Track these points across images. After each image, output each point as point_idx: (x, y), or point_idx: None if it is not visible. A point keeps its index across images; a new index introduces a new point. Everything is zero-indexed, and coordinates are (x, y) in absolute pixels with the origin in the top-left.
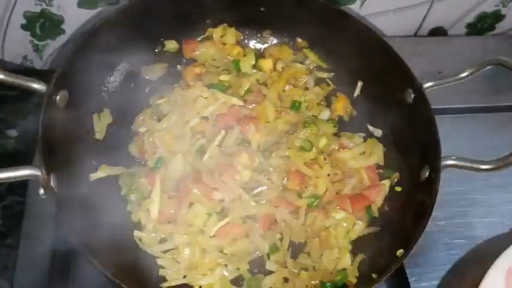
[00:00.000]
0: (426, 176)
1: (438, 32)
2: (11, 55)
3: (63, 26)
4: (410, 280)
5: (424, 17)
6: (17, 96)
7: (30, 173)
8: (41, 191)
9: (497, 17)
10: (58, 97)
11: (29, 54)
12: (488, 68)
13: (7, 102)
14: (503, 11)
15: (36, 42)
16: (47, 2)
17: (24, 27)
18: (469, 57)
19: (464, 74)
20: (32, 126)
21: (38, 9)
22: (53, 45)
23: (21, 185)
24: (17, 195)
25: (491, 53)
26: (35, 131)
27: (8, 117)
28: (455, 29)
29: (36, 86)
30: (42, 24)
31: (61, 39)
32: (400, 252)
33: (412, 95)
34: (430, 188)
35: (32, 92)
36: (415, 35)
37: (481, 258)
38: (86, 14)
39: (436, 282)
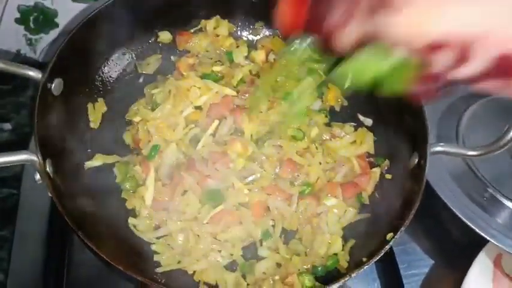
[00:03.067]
0: (415, 163)
1: None
2: (4, 49)
3: (57, 20)
4: (400, 267)
5: None
6: (11, 90)
7: (26, 158)
8: (37, 177)
9: None
10: (53, 85)
11: (22, 48)
12: None
13: (1, 97)
14: None
15: (29, 36)
16: None
17: (18, 21)
18: None
19: None
20: (25, 120)
21: (31, 2)
22: (46, 39)
23: (14, 178)
24: (11, 187)
25: None
26: (29, 125)
27: (1, 110)
28: None
29: (32, 73)
30: (36, 18)
31: (55, 33)
32: (390, 235)
33: None
34: (419, 174)
35: (25, 86)
36: None
37: (470, 246)
38: (80, 8)
39: (426, 270)
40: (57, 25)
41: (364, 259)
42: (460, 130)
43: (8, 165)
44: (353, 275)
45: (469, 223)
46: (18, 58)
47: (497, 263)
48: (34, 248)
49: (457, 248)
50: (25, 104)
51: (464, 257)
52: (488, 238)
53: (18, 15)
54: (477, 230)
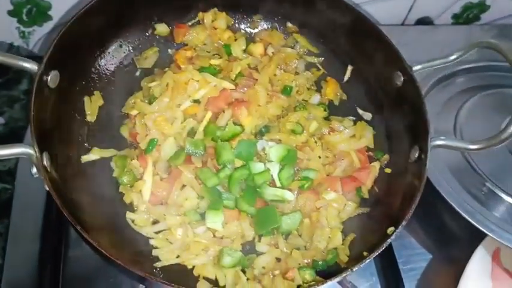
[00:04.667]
0: (416, 156)
1: (425, 21)
2: None
3: (50, 12)
4: (398, 261)
5: (411, 7)
6: (4, 83)
7: (22, 151)
8: (34, 170)
9: (482, 7)
10: (49, 77)
11: (15, 41)
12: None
13: None
14: (488, 1)
15: (22, 28)
16: None
17: (10, 13)
18: (455, 46)
19: (453, 57)
20: (18, 114)
21: None
22: (39, 32)
23: (8, 172)
24: (5, 182)
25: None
26: (22, 119)
27: None
28: (441, 19)
29: (27, 65)
30: (29, 10)
31: (48, 26)
32: (390, 230)
33: (402, 78)
34: (419, 168)
35: (18, 80)
36: (402, 24)
37: (468, 240)
38: (74, 0)
39: (424, 264)
40: (50, 18)
41: (365, 253)
42: (457, 124)
43: (4, 158)
44: (354, 269)
45: (467, 217)
46: (11, 51)
47: (495, 257)
48: (29, 243)
49: (455, 242)
50: (18, 98)
51: (462, 251)
52: (486, 232)
53: (11, 7)
54: (475, 224)
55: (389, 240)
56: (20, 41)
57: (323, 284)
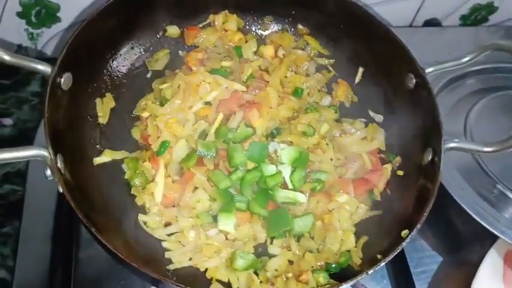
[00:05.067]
0: (429, 159)
1: (432, 23)
2: (5, 44)
3: (59, 14)
4: (409, 265)
5: (419, 8)
6: (12, 85)
7: (37, 153)
8: (48, 172)
9: (490, 9)
10: (62, 79)
11: (23, 42)
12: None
13: (2, 92)
14: (496, 3)
15: (31, 30)
16: None
17: (19, 15)
18: (463, 48)
19: (466, 59)
20: (27, 115)
21: None
22: (48, 34)
23: (17, 174)
24: (14, 183)
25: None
26: (31, 120)
27: (2, 106)
28: (449, 21)
29: (41, 67)
30: (38, 11)
31: (57, 28)
32: (404, 232)
33: (414, 80)
34: (433, 171)
35: (26, 81)
36: (410, 26)
37: (478, 242)
38: (83, 2)
39: (435, 267)
40: (59, 19)
41: (379, 256)
42: (468, 126)
43: (17, 160)
44: (370, 272)
45: (478, 219)
46: (20, 52)
47: (507, 259)
48: (40, 245)
49: (466, 244)
50: (27, 99)
51: (473, 253)
52: (498, 234)
53: (20, 9)
54: (487, 226)
55: (404, 243)
56: (28, 43)
57: (338, 287)
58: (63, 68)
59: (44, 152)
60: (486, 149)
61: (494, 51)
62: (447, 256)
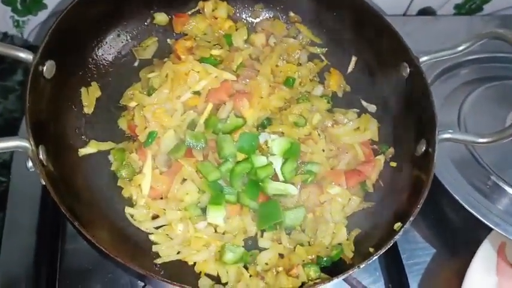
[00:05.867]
0: (423, 150)
1: (427, 12)
2: None
3: (45, 1)
4: (402, 256)
5: None
6: None
7: (18, 144)
8: (29, 164)
9: None
10: (45, 67)
11: (9, 30)
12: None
13: None
14: None
15: (17, 18)
16: None
17: (5, 2)
18: (457, 37)
19: (461, 48)
20: (13, 105)
21: None
22: (34, 21)
23: (3, 165)
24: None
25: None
26: (17, 110)
27: None
28: (443, 10)
29: (23, 55)
30: None
31: (43, 15)
32: (397, 225)
33: (408, 69)
34: (426, 162)
35: (13, 70)
36: (404, 15)
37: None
38: None
39: (428, 259)
40: (45, 6)
41: (371, 249)
42: (461, 116)
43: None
44: (362, 266)
45: (472, 211)
46: (5, 40)
47: (500, 252)
48: (25, 238)
49: (459, 236)
50: (13, 88)
51: (466, 245)
52: (491, 226)
53: None
54: (480, 218)
55: (397, 237)
56: (14, 31)
57: (329, 281)
58: (46, 55)
59: (25, 143)
60: (481, 140)
61: (490, 40)
62: (440, 248)
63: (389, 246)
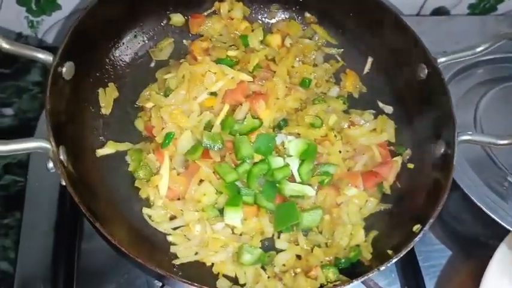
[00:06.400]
0: (441, 152)
1: (440, 11)
2: (5, 32)
3: (60, 1)
4: (418, 258)
5: None
6: (12, 74)
7: (39, 145)
8: (50, 165)
9: None
10: (64, 69)
11: (24, 30)
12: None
13: (2, 81)
14: None
15: (31, 18)
16: None
17: (19, 2)
18: (471, 37)
19: (480, 49)
20: (27, 105)
21: None
22: (48, 22)
23: (19, 165)
24: (15, 174)
25: (492, 32)
26: (31, 110)
27: (2, 95)
28: (457, 10)
29: (42, 56)
30: None
31: (57, 15)
32: (417, 227)
33: (426, 71)
34: (445, 164)
35: (27, 70)
36: (418, 15)
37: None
38: None
39: (443, 261)
40: (59, 7)
41: (390, 252)
42: (477, 116)
43: (19, 153)
44: (381, 269)
45: (489, 212)
46: (20, 40)
47: None
48: (43, 237)
49: (476, 238)
50: (27, 88)
51: (483, 247)
52: (508, 228)
53: None
54: (498, 220)
55: (417, 239)
56: (28, 31)
57: (349, 283)
58: (65, 56)
59: (46, 144)
60: (500, 142)
61: (501, 40)
62: (456, 250)
63: (409, 249)
